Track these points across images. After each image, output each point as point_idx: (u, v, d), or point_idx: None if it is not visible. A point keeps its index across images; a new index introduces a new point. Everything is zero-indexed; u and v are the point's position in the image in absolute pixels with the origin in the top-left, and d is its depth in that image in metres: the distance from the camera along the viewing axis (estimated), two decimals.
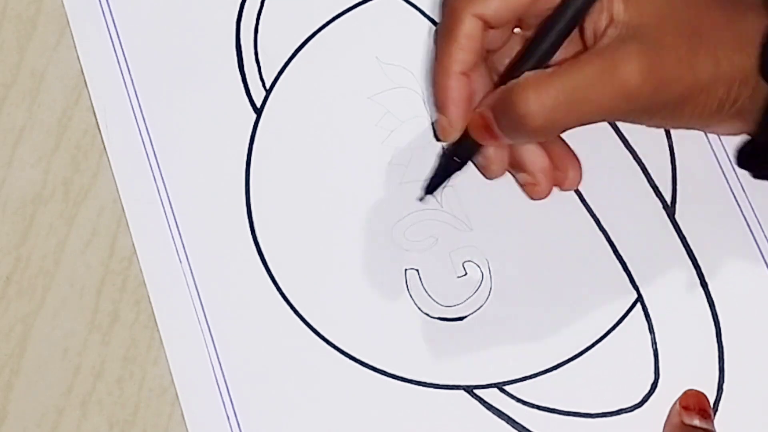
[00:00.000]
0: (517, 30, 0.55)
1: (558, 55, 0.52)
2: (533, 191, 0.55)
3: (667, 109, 0.51)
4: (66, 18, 0.61)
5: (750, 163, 0.57)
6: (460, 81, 0.52)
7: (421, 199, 0.56)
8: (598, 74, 0.49)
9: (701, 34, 0.50)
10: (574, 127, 0.51)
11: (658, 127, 0.56)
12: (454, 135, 0.53)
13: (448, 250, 0.57)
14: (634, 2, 0.50)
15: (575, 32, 0.52)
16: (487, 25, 0.52)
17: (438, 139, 0.56)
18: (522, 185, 0.56)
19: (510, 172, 0.56)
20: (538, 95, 0.49)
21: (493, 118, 0.51)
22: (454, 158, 0.55)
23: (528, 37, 0.54)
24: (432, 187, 0.56)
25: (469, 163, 0.56)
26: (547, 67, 0.51)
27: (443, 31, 0.53)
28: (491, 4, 0.51)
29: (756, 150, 0.56)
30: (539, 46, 0.51)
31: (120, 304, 0.57)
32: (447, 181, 0.55)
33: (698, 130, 0.57)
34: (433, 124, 0.58)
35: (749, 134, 0.55)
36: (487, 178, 0.56)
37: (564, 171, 0.55)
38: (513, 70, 0.52)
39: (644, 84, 0.49)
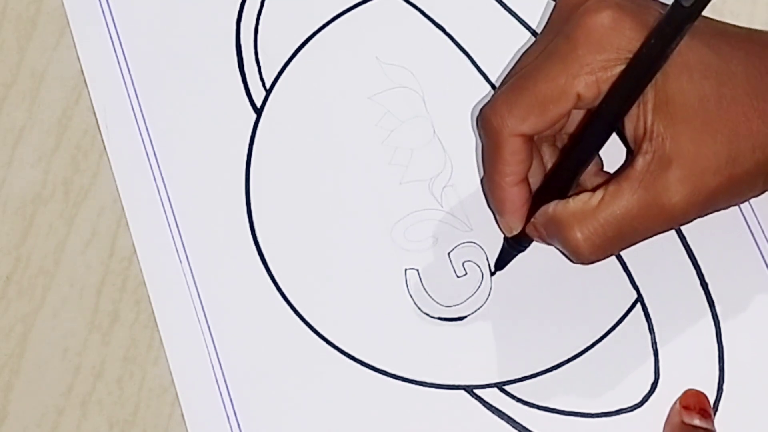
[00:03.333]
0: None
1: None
2: None
3: (712, 212, 0.52)
4: (66, 18, 0.61)
5: None
6: (513, 192, 0.53)
7: (492, 274, 0.57)
8: (643, 208, 0.50)
9: (737, 133, 0.50)
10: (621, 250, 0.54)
11: None
12: (515, 233, 0.54)
13: (448, 250, 0.57)
14: (665, 112, 0.49)
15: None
16: (529, 138, 0.52)
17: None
18: None
19: None
20: (585, 233, 0.50)
21: (546, 233, 0.53)
22: (517, 245, 0.56)
23: (564, 146, 0.55)
24: (500, 267, 0.57)
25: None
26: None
27: (488, 151, 0.53)
28: (529, 121, 0.51)
29: None
30: (575, 164, 0.52)
31: (120, 304, 0.57)
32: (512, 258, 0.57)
33: None
34: (433, 121, 0.58)
35: None
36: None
37: None
38: (557, 177, 0.53)
39: (689, 209, 0.50)
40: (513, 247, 0.55)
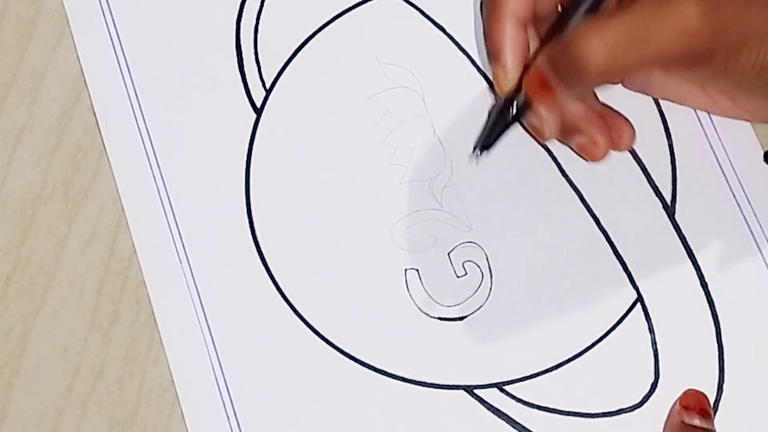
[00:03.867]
0: None
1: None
2: (593, 152, 0.55)
3: (722, 55, 0.51)
4: (66, 18, 0.61)
5: None
6: (515, 29, 0.52)
7: (480, 155, 0.55)
8: (658, 14, 0.49)
9: None
10: (634, 70, 0.51)
11: (708, 86, 0.56)
12: (510, 84, 0.53)
13: (448, 250, 0.57)
14: None
15: None
16: None
17: (494, 93, 0.54)
18: (580, 150, 0.55)
19: (563, 142, 0.56)
20: (600, 35, 0.49)
21: (550, 68, 0.51)
22: (508, 113, 0.54)
23: None
24: (488, 145, 0.55)
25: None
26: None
27: None
28: None
29: None
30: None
31: (120, 304, 0.57)
32: (500, 138, 0.54)
33: (742, 108, 0.56)
34: (433, 121, 0.58)
35: None
36: (540, 140, 0.56)
37: (618, 130, 0.55)
38: (562, 23, 0.52)
39: (703, 25, 0.49)
40: (503, 116, 0.54)
